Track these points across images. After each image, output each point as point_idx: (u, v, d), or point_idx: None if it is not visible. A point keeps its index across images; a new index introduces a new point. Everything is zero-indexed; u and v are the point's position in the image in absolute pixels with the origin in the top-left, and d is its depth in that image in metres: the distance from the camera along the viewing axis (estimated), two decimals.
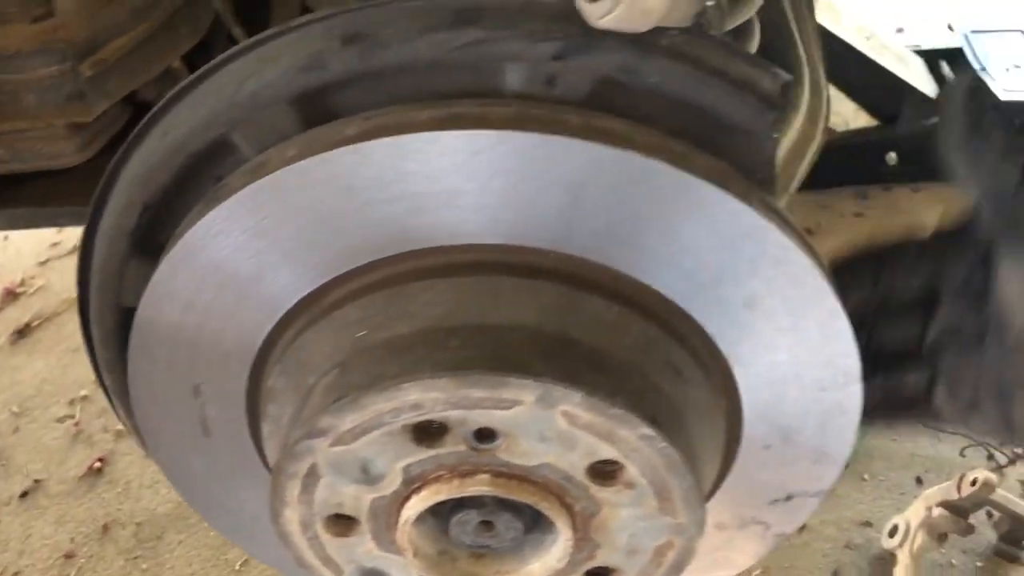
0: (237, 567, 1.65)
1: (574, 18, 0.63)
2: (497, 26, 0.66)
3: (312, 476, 0.73)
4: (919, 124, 2.24)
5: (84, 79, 1.03)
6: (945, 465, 1.68)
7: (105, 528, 1.73)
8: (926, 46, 2.45)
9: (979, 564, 1.55)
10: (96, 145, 1.12)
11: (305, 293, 0.74)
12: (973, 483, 1.48)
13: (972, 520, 1.53)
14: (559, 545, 0.77)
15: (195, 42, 1.13)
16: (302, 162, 0.67)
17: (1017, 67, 2.40)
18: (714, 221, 0.68)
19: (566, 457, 0.71)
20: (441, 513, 0.79)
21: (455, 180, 0.67)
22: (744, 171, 0.71)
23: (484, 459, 0.72)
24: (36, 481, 1.82)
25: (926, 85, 2.33)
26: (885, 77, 2.17)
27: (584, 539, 0.77)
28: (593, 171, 0.67)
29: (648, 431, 0.69)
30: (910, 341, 0.88)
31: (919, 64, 2.39)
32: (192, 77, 0.72)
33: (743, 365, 0.77)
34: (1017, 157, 0.76)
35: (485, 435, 0.71)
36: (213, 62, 0.72)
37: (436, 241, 0.70)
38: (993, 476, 1.49)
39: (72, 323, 2.26)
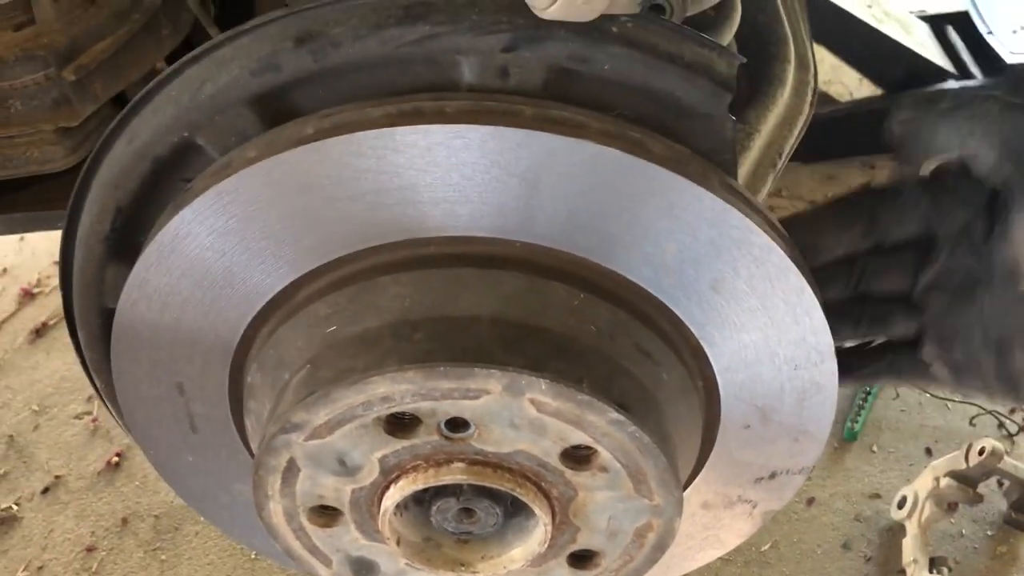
0: (253, 556, 1.68)
1: (523, 9, 0.63)
2: (445, 20, 0.66)
3: (291, 469, 0.74)
4: (924, 92, 2.21)
5: (68, 84, 1.04)
6: (955, 435, 1.67)
7: (124, 521, 1.77)
8: (932, 11, 2.41)
9: (989, 533, 1.54)
10: (86, 148, 1.14)
11: (277, 290, 0.75)
12: (981, 452, 1.48)
13: (981, 489, 1.53)
14: (539, 529, 0.78)
15: (178, 42, 1.15)
16: (262, 163, 0.68)
17: None
18: (671, 206, 0.68)
19: (539, 443, 0.72)
20: (424, 501, 0.80)
21: (412, 175, 0.68)
22: (703, 154, 0.71)
23: (458, 448, 0.73)
24: (57, 477, 1.86)
25: (931, 51, 2.30)
26: (887, 45, 2.15)
27: (564, 523, 0.77)
28: (548, 160, 0.67)
29: (617, 416, 0.69)
30: (902, 286, 0.85)
31: (924, 29, 2.36)
32: (153, 83, 0.73)
33: (715, 346, 0.77)
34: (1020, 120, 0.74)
35: (457, 425, 0.72)
36: (172, 67, 0.73)
37: (398, 235, 0.71)
38: (1000, 445, 1.48)
39: None
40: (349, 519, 0.78)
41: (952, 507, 1.54)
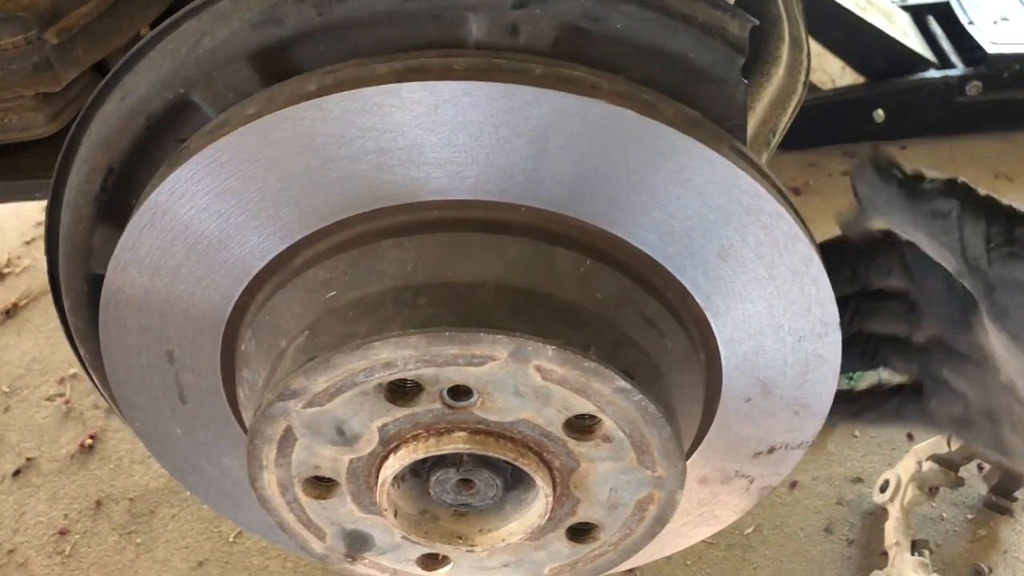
0: (231, 539, 1.65)
1: None
2: None
3: (288, 438, 0.72)
4: (906, 80, 2.23)
5: (50, 47, 1.01)
6: None
7: (98, 504, 1.73)
8: (913, 1, 2.43)
9: (969, 517, 1.55)
10: (67, 115, 1.11)
11: (274, 255, 0.73)
12: None
13: (962, 473, 1.54)
14: (540, 501, 0.76)
15: (164, 8, 1.12)
16: (262, 119, 0.66)
17: (1005, 19, 2.38)
18: (682, 169, 0.67)
19: (542, 412, 0.71)
20: (421, 473, 0.78)
21: (417, 135, 0.66)
22: (714, 119, 0.70)
23: (460, 417, 0.71)
24: (28, 459, 1.82)
25: (913, 40, 2.32)
26: (871, 33, 2.16)
27: (565, 495, 0.76)
28: (559, 121, 0.65)
29: (623, 384, 0.68)
30: (895, 330, 0.86)
31: (906, 19, 2.37)
32: (147, 38, 0.71)
33: (719, 316, 0.76)
34: (976, 225, 0.71)
35: (460, 392, 0.70)
36: (168, 21, 0.70)
37: (402, 198, 0.69)
38: None
39: None
40: (345, 490, 0.76)
41: (934, 491, 1.55)
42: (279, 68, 0.69)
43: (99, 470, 1.79)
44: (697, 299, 0.75)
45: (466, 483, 0.77)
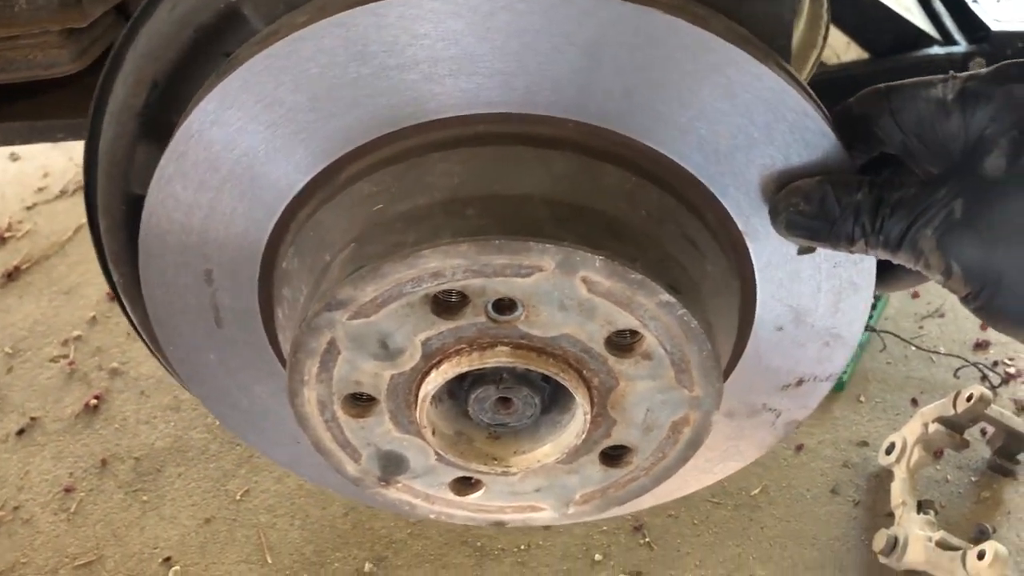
0: (238, 497, 1.65)
1: None
2: None
3: (331, 352, 0.73)
4: (910, 57, 2.24)
5: None
6: (939, 387, 1.71)
7: (104, 463, 1.73)
8: None
9: (973, 480, 1.57)
10: (91, 54, 1.11)
11: (320, 169, 0.73)
12: (969, 399, 1.51)
13: (967, 436, 1.56)
14: (576, 421, 0.77)
15: None
16: (315, 25, 0.66)
17: None
18: (731, 84, 0.68)
19: (585, 327, 0.71)
20: (458, 395, 0.79)
21: (470, 43, 0.66)
22: (761, 38, 0.71)
23: (504, 331, 0.72)
24: (32, 419, 1.81)
25: (917, 17, 2.34)
26: (878, 9, 2.17)
27: (601, 415, 0.77)
28: (613, 31, 0.66)
29: (667, 297, 0.69)
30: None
31: None
32: None
33: (758, 241, 0.77)
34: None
35: (504, 307, 0.71)
36: None
37: (450, 111, 0.69)
38: (988, 392, 1.51)
39: (62, 266, 2.25)
40: (384, 408, 0.77)
41: (939, 454, 1.57)
42: None
43: (104, 430, 1.79)
44: (738, 222, 0.75)
45: (504, 402, 0.77)
